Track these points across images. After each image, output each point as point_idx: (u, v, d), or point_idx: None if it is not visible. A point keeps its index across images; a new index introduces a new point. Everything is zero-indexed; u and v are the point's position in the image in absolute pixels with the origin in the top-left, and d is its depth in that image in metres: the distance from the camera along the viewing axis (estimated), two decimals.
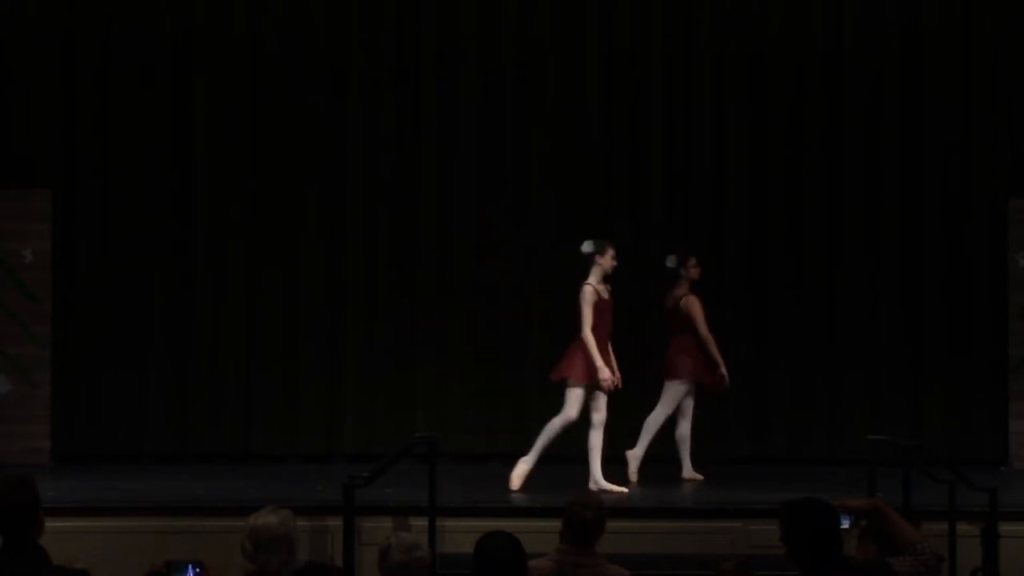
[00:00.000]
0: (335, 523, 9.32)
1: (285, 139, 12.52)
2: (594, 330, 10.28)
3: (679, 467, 11.15)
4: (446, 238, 12.58)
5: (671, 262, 11.15)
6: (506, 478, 10.45)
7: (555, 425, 10.38)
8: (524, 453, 12.35)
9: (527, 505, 9.77)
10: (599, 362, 10.19)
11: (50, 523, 5.67)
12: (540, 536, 6.59)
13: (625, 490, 10.47)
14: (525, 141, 12.62)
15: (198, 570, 5.10)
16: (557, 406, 12.37)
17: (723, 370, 11.01)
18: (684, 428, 11.15)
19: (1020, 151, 12.55)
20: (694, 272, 11.16)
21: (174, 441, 12.36)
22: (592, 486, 10.19)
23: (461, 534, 8.93)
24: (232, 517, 8.30)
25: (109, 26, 12.48)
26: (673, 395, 11.07)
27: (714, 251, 12.46)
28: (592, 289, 10.36)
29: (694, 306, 11.07)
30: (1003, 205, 12.42)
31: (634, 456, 11.00)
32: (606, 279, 10.47)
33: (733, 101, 12.59)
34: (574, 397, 10.32)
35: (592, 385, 10.30)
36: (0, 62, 12.43)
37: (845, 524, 5.40)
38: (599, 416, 10.36)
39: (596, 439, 10.37)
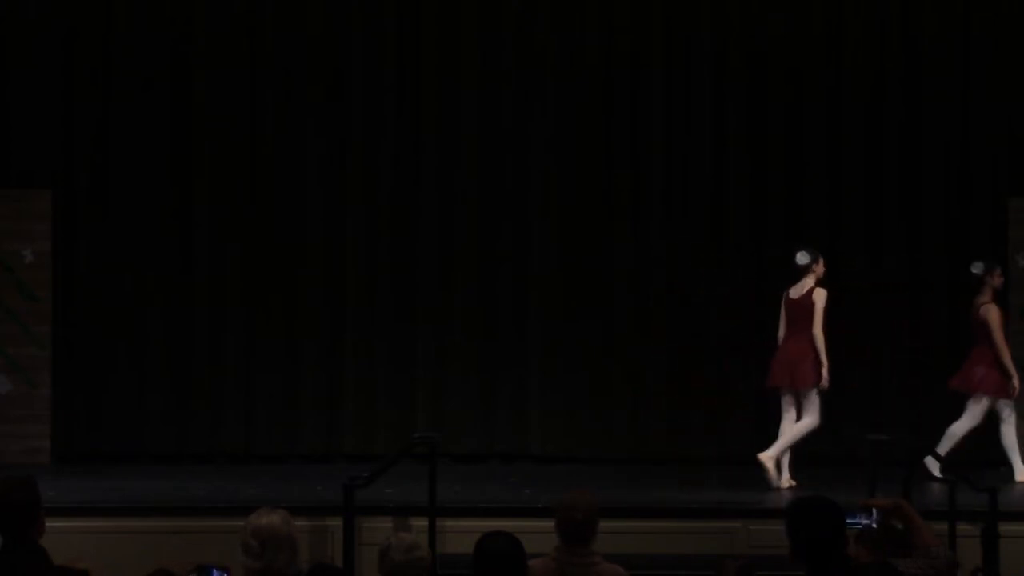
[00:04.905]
0: (335, 523, 9.32)
1: (285, 139, 12.51)
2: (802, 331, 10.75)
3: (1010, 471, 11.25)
4: (446, 238, 12.57)
5: (976, 268, 11.22)
6: (506, 478, 10.43)
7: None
8: (523, 453, 12.41)
9: (527, 505, 9.76)
10: (826, 361, 10.68)
11: (50, 523, 5.67)
12: (540, 536, 6.57)
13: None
14: (524, 140, 12.61)
15: (225, 575, 5.10)
16: (550, 405, 12.43)
17: (1015, 380, 11.09)
18: (1009, 434, 11.22)
19: (1020, 151, 12.54)
20: (998, 281, 11.22)
21: (174, 441, 12.34)
22: (776, 482, 10.73)
23: (461, 534, 8.93)
24: (232, 517, 8.28)
25: (109, 26, 12.47)
26: (978, 408, 11.16)
27: (714, 251, 12.47)
28: (826, 294, 10.76)
29: (992, 314, 11.14)
30: (1003, 205, 12.42)
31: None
32: (820, 284, 10.83)
33: (733, 101, 12.58)
34: (813, 400, 10.79)
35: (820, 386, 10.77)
36: (0, 62, 12.43)
37: (865, 522, 5.41)
38: (793, 415, 10.87)
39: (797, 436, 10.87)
